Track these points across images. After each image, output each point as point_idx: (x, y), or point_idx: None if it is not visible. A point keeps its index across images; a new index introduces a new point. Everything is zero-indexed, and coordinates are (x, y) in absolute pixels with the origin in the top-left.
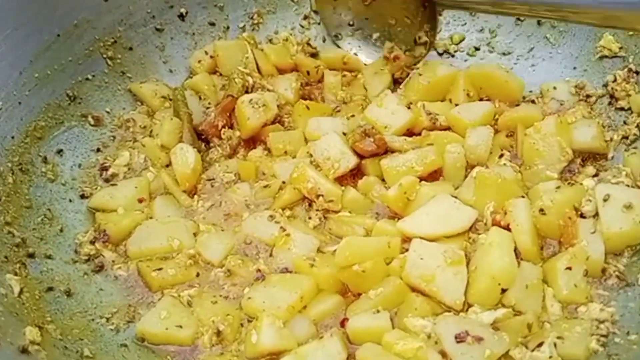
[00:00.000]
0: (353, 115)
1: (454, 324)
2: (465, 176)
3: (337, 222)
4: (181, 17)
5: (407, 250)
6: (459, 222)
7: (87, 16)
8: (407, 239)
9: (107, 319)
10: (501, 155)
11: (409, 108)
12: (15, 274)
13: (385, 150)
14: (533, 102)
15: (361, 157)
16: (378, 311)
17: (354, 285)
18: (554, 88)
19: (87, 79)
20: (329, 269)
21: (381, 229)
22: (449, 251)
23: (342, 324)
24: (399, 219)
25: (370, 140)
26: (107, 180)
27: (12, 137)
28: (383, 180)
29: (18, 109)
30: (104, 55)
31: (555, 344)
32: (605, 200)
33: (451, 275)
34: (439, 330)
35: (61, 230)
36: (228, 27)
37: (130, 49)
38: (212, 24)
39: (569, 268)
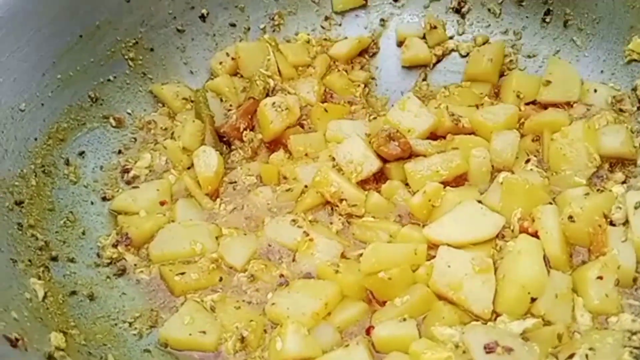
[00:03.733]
0: (375, 117)
1: (483, 333)
2: (491, 181)
3: (360, 227)
4: (202, 18)
5: (433, 257)
6: (486, 229)
7: (109, 17)
8: (433, 246)
9: (130, 324)
10: (527, 160)
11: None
12: (39, 278)
13: (410, 154)
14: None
15: (385, 160)
16: (404, 319)
17: (380, 293)
18: (595, 91)
19: (109, 80)
20: (354, 276)
21: (407, 235)
22: (476, 259)
23: (368, 332)
24: (423, 224)
25: (395, 144)
26: (128, 183)
27: (35, 139)
28: (407, 184)
29: (41, 110)
30: (126, 57)
31: (587, 355)
32: (636, 207)
33: (479, 284)
34: (467, 340)
35: (83, 233)
36: (249, 28)
37: (152, 50)
38: (233, 25)
39: (600, 277)
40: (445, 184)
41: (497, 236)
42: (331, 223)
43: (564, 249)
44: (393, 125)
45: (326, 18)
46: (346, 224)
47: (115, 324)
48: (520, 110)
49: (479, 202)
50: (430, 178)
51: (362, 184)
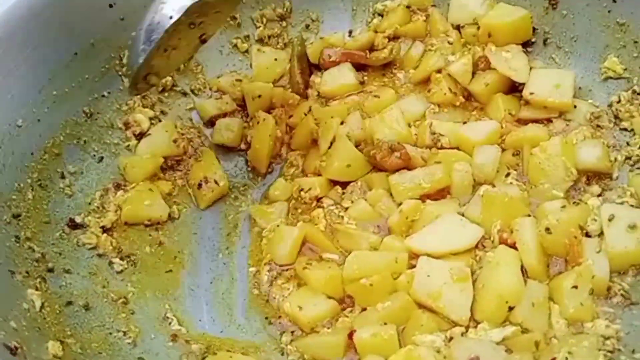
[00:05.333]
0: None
1: (465, 348)
2: (473, 194)
3: (344, 234)
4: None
5: (414, 266)
6: (465, 240)
7: (104, 35)
8: (414, 256)
9: (125, 333)
10: (508, 174)
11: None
12: (36, 289)
13: (408, 164)
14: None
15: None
16: (385, 324)
17: (361, 299)
18: (574, 107)
19: (103, 96)
20: (323, 271)
21: (389, 244)
22: (455, 268)
23: (350, 336)
24: (405, 235)
25: (396, 156)
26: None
27: (32, 154)
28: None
29: (37, 126)
30: (120, 73)
31: (566, 359)
32: (610, 220)
33: (457, 292)
34: (451, 354)
35: (78, 245)
36: None
37: None
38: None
39: (575, 287)
40: (427, 196)
41: (477, 247)
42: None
43: (540, 259)
44: (369, 132)
45: None
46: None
47: (110, 333)
48: (502, 127)
49: (460, 214)
50: (413, 190)
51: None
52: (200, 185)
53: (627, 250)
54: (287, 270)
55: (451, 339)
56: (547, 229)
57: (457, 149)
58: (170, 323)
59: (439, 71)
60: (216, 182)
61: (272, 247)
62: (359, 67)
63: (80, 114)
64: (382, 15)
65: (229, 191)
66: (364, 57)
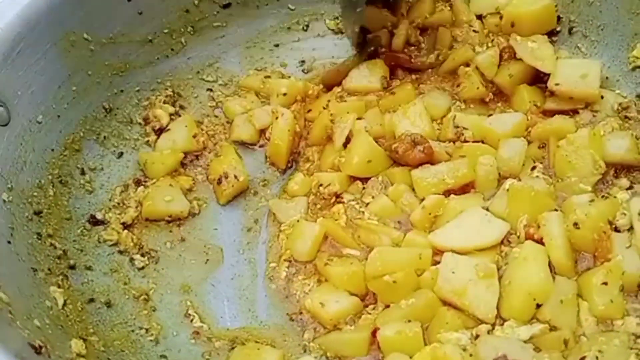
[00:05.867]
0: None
1: (492, 347)
2: (498, 188)
3: (365, 229)
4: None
5: (438, 262)
6: (491, 235)
7: (122, 29)
8: (438, 252)
9: (147, 330)
10: (534, 168)
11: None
12: (59, 287)
13: (431, 159)
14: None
15: (398, 163)
16: (409, 321)
17: (384, 296)
18: (601, 97)
19: (122, 91)
20: (343, 268)
21: (412, 240)
22: (480, 264)
23: (374, 333)
24: (429, 231)
25: (419, 149)
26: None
27: (52, 150)
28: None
29: (57, 122)
30: (139, 67)
31: (597, 357)
32: None
33: (483, 289)
34: (477, 352)
35: (99, 241)
36: None
37: (167, 57)
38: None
39: (605, 283)
40: (451, 191)
41: (502, 242)
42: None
43: (569, 255)
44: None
45: None
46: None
47: (132, 330)
48: (527, 119)
49: (485, 208)
50: (437, 186)
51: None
52: (220, 181)
53: None
54: (306, 266)
55: (477, 336)
56: (575, 224)
57: (482, 142)
58: (192, 320)
59: (467, 64)
60: (236, 177)
61: (291, 243)
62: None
63: (99, 109)
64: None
65: (248, 186)
66: (409, 60)
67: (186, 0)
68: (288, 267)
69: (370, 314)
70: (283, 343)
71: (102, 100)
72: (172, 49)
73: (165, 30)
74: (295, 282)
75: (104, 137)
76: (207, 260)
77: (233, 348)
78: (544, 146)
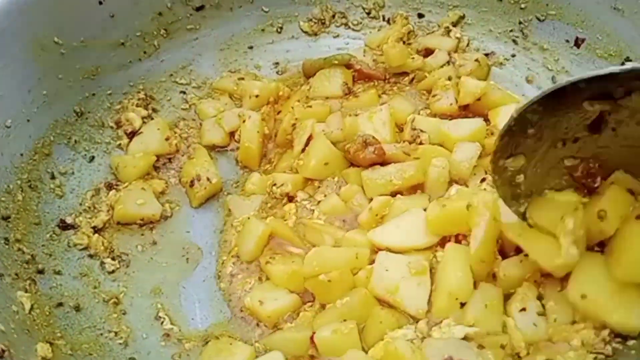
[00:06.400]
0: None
1: (437, 348)
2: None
3: (310, 229)
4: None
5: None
6: (427, 237)
7: (94, 33)
8: (378, 250)
9: (116, 333)
10: (483, 180)
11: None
12: (26, 291)
13: (383, 160)
14: None
15: (354, 165)
16: (345, 320)
17: (320, 295)
18: None
19: (94, 94)
20: (285, 266)
21: (351, 239)
22: (413, 262)
23: (312, 338)
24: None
25: (370, 150)
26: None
27: (21, 155)
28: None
29: (27, 126)
30: (110, 71)
31: None
32: None
33: (414, 285)
34: (425, 354)
35: (69, 246)
36: None
37: (140, 60)
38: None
39: (524, 309)
40: (399, 192)
41: (438, 245)
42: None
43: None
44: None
45: None
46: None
47: (101, 334)
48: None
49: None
50: (384, 187)
51: None
52: (192, 184)
53: None
54: (248, 266)
55: (423, 338)
56: None
57: (442, 146)
58: (162, 322)
59: (448, 78)
60: (208, 180)
61: (239, 240)
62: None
63: (70, 113)
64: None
65: (222, 188)
66: (383, 79)
67: (159, 3)
68: (234, 264)
69: (307, 311)
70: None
71: (73, 104)
72: (144, 52)
73: (138, 34)
74: (237, 281)
75: (75, 141)
76: (179, 262)
77: (207, 343)
78: None
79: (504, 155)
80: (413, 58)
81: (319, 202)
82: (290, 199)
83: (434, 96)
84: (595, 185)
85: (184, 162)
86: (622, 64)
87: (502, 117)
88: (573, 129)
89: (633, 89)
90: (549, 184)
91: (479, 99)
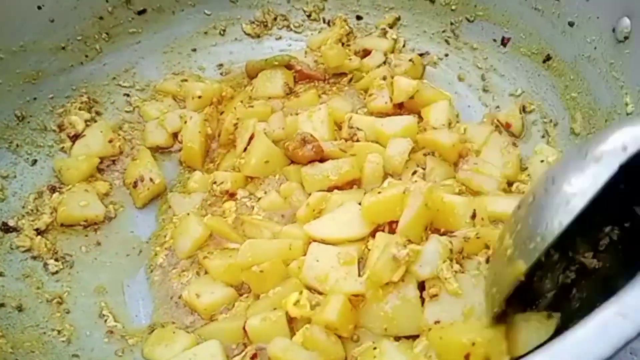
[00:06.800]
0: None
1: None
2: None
3: (249, 224)
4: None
5: None
6: (360, 229)
7: (34, 37)
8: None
9: (59, 331)
10: (414, 172)
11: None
12: None
13: (322, 157)
14: None
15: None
16: (275, 309)
17: (255, 286)
18: None
19: (35, 98)
20: (221, 261)
21: (287, 232)
22: (342, 252)
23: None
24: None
25: (309, 147)
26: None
27: None
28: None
29: None
30: (52, 75)
31: None
32: None
33: (343, 274)
34: None
35: (11, 248)
36: None
37: (81, 64)
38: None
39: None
40: (337, 188)
41: (372, 236)
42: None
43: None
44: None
45: None
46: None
47: (44, 332)
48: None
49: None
50: (322, 182)
51: None
52: (136, 184)
53: None
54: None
55: None
56: None
57: (378, 142)
58: (106, 320)
59: (383, 78)
60: (152, 180)
61: (176, 235)
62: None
63: (11, 117)
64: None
65: (165, 189)
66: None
67: (100, 7)
68: (166, 256)
69: (243, 301)
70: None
71: (14, 108)
72: (86, 56)
73: (79, 37)
74: (175, 275)
75: (17, 145)
76: (124, 262)
77: (153, 331)
78: (430, 154)
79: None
80: (350, 59)
81: (259, 199)
82: (231, 196)
83: (370, 95)
84: None
85: (128, 164)
86: (544, 61)
87: (434, 113)
88: None
89: None
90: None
91: (412, 97)
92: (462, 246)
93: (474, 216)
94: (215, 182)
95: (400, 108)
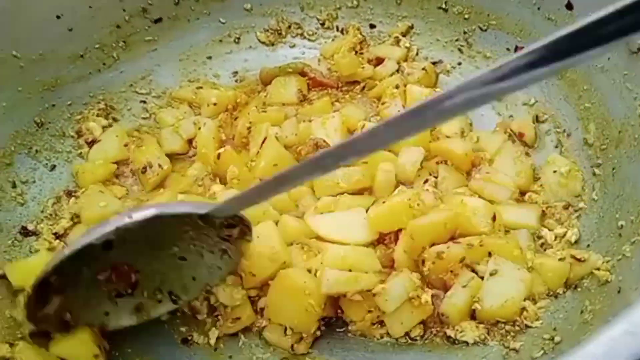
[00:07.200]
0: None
1: None
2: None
3: None
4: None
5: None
6: (364, 235)
7: (52, 46)
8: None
9: None
10: (426, 181)
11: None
12: None
13: None
14: None
15: None
16: None
17: None
18: None
19: (54, 105)
20: None
21: (285, 222)
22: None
23: None
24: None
25: None
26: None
27: None
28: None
29: None
30: (70, 82)
31: None
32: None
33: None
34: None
35: (30, 252)
36: None
37: (99, 71)
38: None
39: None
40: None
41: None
42: None
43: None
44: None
45: None
46: None
47: None
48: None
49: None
50: (332, 188)
51: None
52: (145, 170)
53: None
54: None
55: None
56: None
57: (390, 151)
58: None
59: (396, 86)
60: (160, 166)
61: None
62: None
63: (31, 123)
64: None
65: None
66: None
67: (117, 15)
68: None
69: None
70: None
71: (33, 114)
72: (104, 64)
73: (97, 46)
74: None
75: (36, 151)
76: None
77: None
78: (442, 162)
79: (39, 307)
80: (363, 67)
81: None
82: None
83: (383, 104)
84: (133, 280)
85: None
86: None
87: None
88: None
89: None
90: (100, 306)
91: None
92: (464, 254)
93: (494, 218)
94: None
95: None
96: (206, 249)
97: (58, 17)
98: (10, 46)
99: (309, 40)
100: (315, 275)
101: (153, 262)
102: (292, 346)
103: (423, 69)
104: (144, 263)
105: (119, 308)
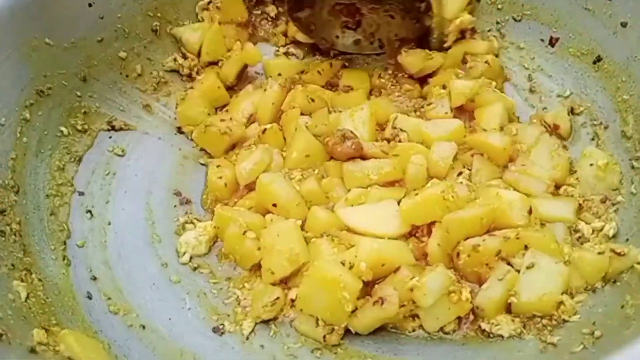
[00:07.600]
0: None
1: None
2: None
3: None
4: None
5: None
6: (397, 228)
7: (84, 34)
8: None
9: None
10: (460, 173)
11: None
12: (22, 281)
13: (361, 155)
14: None
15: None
16: None
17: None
18: None
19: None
20: None
21: (315, 214)
22: None
23: None
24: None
25: (348, 144)
26: None
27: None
28: None
29: (20, 124)
30: (103, 69)
31: None
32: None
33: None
34: None
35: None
36: None
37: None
38: None
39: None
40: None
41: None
42: None
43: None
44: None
45: None
46: None
47: None
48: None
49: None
50: (362, 180)
51: None
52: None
53: None
54: None
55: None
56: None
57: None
58: None
59: (443, 86)
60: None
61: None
62: None
63: (65, 110)
64: None
65: None
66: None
67: (147, 5)
68: None
69: None
70: None
71: (67, 101)
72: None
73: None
74: None
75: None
76: None
77: None
78: (478, 154)
79: (295, 9)
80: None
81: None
82: None
83: (429, 105)
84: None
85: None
86: (594, 62)
87: (487, 115)
88: None
89: None
90: (334, 29)
91: (472, 101)
92: (500, 247)
93: (530, 211)
94: None
95: (460, 111)
96: (408, 16)
97: (90, 4)
98: (44, 34)
99: None
100: (350, 268)
101: (372, 12)
102: (324, 337)
103: (486, 62)
104: (366, 10)
105: (346, 36)
